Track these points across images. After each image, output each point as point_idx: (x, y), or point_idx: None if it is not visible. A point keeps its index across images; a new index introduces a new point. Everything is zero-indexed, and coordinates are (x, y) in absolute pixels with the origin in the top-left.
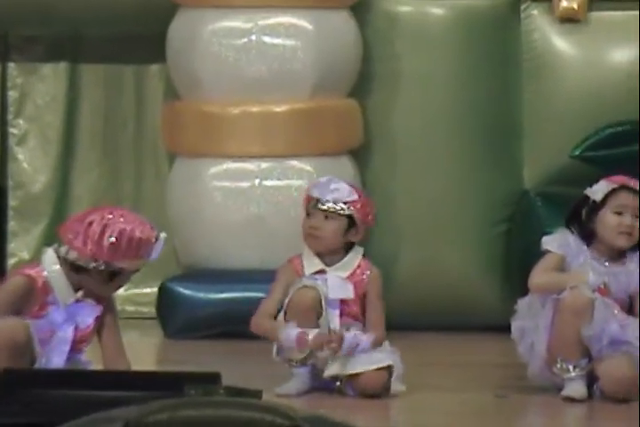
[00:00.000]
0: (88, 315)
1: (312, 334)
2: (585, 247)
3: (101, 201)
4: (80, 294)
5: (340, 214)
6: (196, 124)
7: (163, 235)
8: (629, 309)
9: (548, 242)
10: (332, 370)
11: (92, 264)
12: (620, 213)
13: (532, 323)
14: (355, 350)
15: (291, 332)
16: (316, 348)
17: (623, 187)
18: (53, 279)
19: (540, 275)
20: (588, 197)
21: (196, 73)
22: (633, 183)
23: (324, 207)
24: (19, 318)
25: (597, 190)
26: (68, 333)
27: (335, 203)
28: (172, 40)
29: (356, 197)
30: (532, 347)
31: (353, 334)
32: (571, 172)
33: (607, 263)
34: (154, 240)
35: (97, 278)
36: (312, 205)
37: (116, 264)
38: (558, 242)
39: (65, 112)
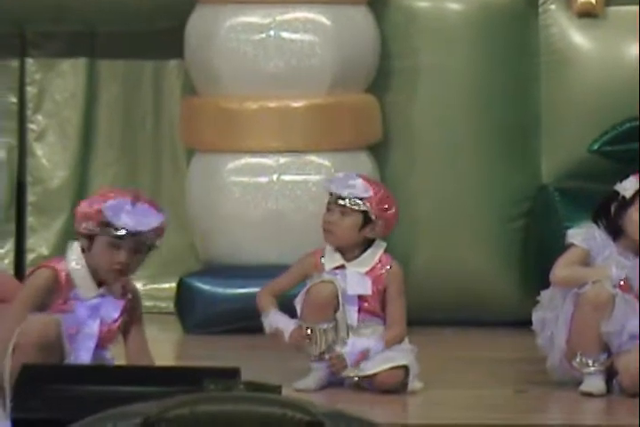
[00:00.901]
0: (113, 310)
1: (312, 327)
2: (611, 242)
3: None
4: (103, 289)
5: (355, 210)
6: (214, 120)
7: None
8: None
9: (574, 235)
10: (347, 371)
11: (90, 225)
12: None
13: (552, 315)
14: (366, 355)
15: (272, 323)
16: (295, 344)
17: None
18: (76, 273)
19: (562, 268)
20: (617, 193)
21: (213, 68)
22: None
23: (340, 202)
24: (49, 315)
25: (628, 187)
26: (93, 328)
27: (350, 199)
28: (190, 35)
29: (371, 193)
30: (552, 339)
31: (361, 343)
32: (589, 166)
33: (632, 258)
34: (153, 208)
35: (103, 250)
36: (331, 199)
37: (111, 221)
38: (583, 236)
39: (83, 108)
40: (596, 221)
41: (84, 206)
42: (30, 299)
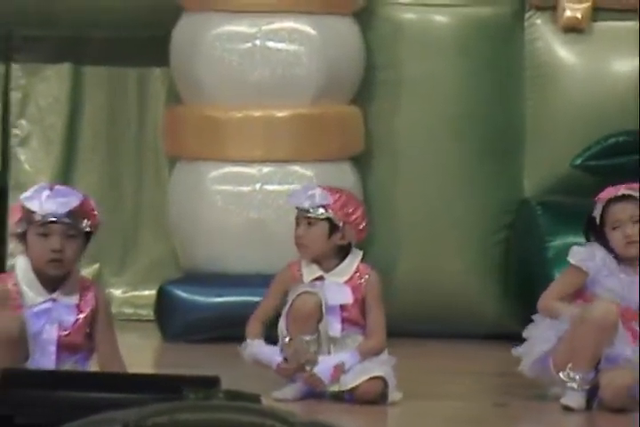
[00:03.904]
0: (66, 313)
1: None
2: (612, 261)
3: (102, 203)
4: (56, 293)
5: (319, 219)
6: (197, 128)
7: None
8: None
9: (574, 254)
10: (328, 388)
11: (18, 224)
12: (617, 227)
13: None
14: (342, 368)
15: (254, 354)
16: (284, 376)
17: (610, 200)
18: (23, 280)
19: (549, 300)
20: (593, 219)
21: (199, 77)
22: (624, 189)
23: (305, 215)
24: (12, 312)
25: (596, 211)
26: (51, 333)
27: (312, 208)
28: (176, 43)
29: (332, 199)
30: (535, 340)
31: (332, 358)
32: (571, 181)
33: (632, 273)
34: (71, 189)
35: (35, 242)
36: (298, 215)
37: (33, 209)
38: (583, 255)
39: (67, 114)
40: (588, 239)
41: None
42: None
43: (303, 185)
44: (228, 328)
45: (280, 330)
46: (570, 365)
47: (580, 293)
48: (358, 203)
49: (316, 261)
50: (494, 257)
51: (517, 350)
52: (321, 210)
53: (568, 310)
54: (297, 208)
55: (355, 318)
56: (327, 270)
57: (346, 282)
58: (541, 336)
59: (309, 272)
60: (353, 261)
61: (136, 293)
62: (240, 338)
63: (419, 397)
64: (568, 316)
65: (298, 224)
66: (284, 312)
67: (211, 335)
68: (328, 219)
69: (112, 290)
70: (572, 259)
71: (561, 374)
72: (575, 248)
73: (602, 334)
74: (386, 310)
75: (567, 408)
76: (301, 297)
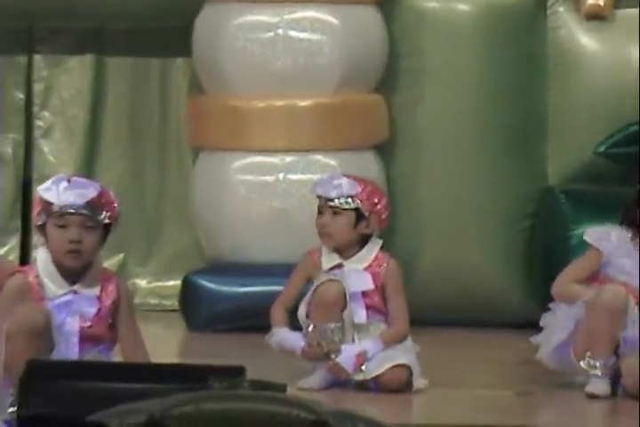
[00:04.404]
0: (87, 305)
1: (304, 343)
2: (628, 241)
3: (125, 194)
4: (77, 285)
5: (346, 209)
6: (220, 118)
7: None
8: None
9: (590, 234)
10: (355, 377)
11: (38, 216)
12: None
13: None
14: (364, 357)
15: (280, 342)
16: (310, 360)
17: None
18: (44, 273)
19: (565, 284)
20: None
21: (221, 67)
22: None
23: (331, 204)
24: (37, 304)
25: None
26: (73, 326)
27: (339, 198)
28: (198, 34)
29: (359, 189)
30: (552, 329)
31: (354, 347)
32: (595, 169)
33: None
34: (85, 184)
35: (54, 234)
36: (321, 203)
37: (51, 200)
38: (599, 235)
39: (90, 105)
40: (622, 221)
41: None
42: (4, 306)
43: (328, 174)
44: (253, 318)
45: (300, 318)
46: (588, 353)
47: (595, 276)
48: (382, 192)
49: (338, 249)
50: (518, 246)
51: (536, 339)
52: (349, 200)
53: (585, 292)
54: (320, 197)
55: (377, 305)
56: (346, 258)
57: (365, 269)
58: (558, 324)
59: (328, 260)
60: (372, 249)
61: (161, 283)
62: (265, 327)
63: (443, 385)
64: (584, 299)
65: (321, 213)
66: (304, 300)
67: (235, 325)
68: (355, 209)
69: (137, 280)
70: (587, 238)
71: (582, 363)
72: (591, 229)
73: (614, 319)
74: (409, 298)
75: (592, 396)
76: (325, 285)
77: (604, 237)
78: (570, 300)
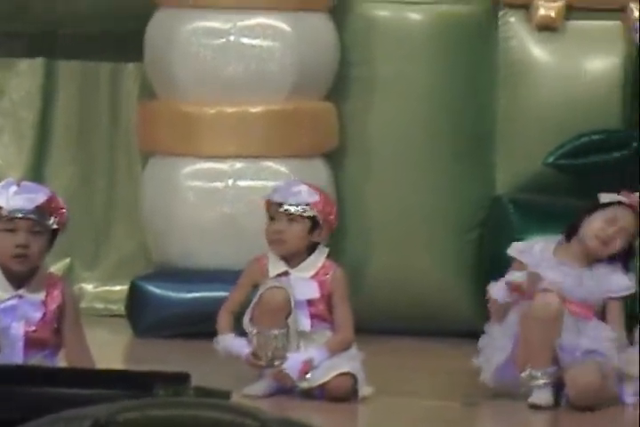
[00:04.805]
0: (33, 310)
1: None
2: (550, 255)
3: (74, 198)
4: (22, 290)
5: (303, 217)
6: (171, 124)
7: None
8: (601, 313)
9: (513, 248)
10: (297, 384)
11: None
12: (609, 223)
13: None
14: (310, 365)
15: (226, 347)
16: (254, 367)
17: (629, 206)
18: None
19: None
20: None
21: (173, 72)
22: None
23: (289, 211)
24: None
25: (609, 197)
26: (18, 330)
27: (298, 205)
28: (150, 39)
29: (317, 197)
30: (491, 350)
31: (300, 355)
32: (543, 179)
33: (577, 268)
34: (35, 189)
35: (1, 238)
36: (274, 209)
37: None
38: (521, 248)
39: (40, 108)
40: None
41: None
42: None
43: (286, 181)
44: (200, 324)
45: (245, 324)
46: (529, 364)
47: (530, 294)
48: (333, 202)
49: (285, 257)
50: (467, 254)
51: (477, 361)
52: (306, 207)
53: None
54: (274, 203)
55: (322, 313)
56: (293, 266)
57: (311, 278)
58: (497, 345)
59: (275, 267)
60: (319, 257)
61: (107, 288)
62: (212, 333)
63: (389, 394)
64: (519, 312)
65: (273, 219)
66: (250, 307)
67: (182, 331)
68: (311, 217)
69: (83, 285)
70: (511, 252)
71: (523, 375)
72: (514, 243)
73: (547, 327)
74: (357, 307)
75: (535, 406)
76: (270, 291)
77: (526, 249)
78: (497, 316)
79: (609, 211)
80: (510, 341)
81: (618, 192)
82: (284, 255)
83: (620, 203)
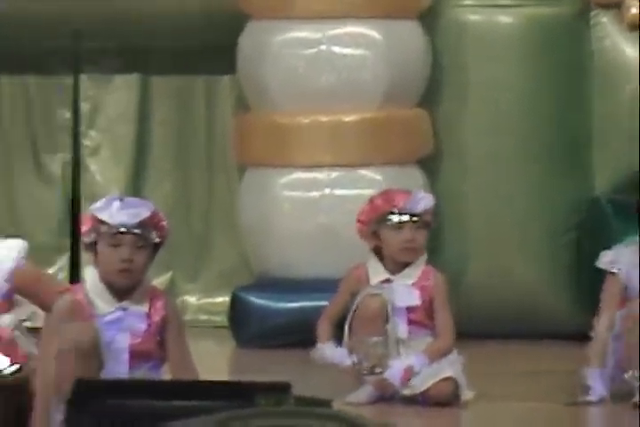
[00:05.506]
0: (137, 321)
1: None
2: None
3: (173, 211)
4: (125, 302)
5: (427, 223)
6: (266, 135)
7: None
8: None
9: (601, 260)
10: (402, 391)
11: (89, 234)
12: None
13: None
14: (411, 372)
15: (324, 356)
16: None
17: None
18: (92, 291)
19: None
20: None
21: (265, 84)
22: None
23: (415, 219)
24: (85, 323)
25: None
26: (122, 342)
27: (423, 213)
28: (243, 51)
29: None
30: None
31: (401, 362)
32: None
33: None
34: (141, 200)
35: (105, 252)
36: (398, 219)
37: (104, 219)
38: (611, 258)
39: (136, 123)
40: None
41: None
42: (54, 326)
43: (413, 190)
44: (301, 333)
45: (345, 333)
46: (632, 366)
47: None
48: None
49: (385, 263)
50: (565, 257)
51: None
52: (428, 214)
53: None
54: (402, 213)
55: (421, 319)
56: (394, 273)
57: (413, 284)
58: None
59: (376, 274)
60: (419, 264)
61: (210, 299)
62: (313, 343)
63: (490, 398)
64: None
65: (400, 228)
66: (348, 315)
67: (284, 341)
68: (429, 224)
69: (186, 297)
70: (599, 264)
71: (626, 376)
72: (602, 253)
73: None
74: (456, 311)
75: (638, 406)
76: (366, 299)
77: (616, 259)
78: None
79: None
80: (613, 354)
81: None
82: (407, 263)
83: None
